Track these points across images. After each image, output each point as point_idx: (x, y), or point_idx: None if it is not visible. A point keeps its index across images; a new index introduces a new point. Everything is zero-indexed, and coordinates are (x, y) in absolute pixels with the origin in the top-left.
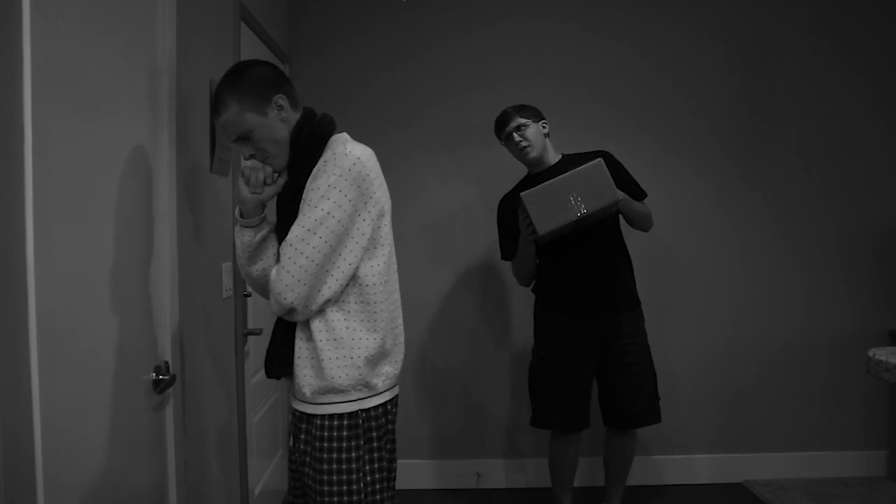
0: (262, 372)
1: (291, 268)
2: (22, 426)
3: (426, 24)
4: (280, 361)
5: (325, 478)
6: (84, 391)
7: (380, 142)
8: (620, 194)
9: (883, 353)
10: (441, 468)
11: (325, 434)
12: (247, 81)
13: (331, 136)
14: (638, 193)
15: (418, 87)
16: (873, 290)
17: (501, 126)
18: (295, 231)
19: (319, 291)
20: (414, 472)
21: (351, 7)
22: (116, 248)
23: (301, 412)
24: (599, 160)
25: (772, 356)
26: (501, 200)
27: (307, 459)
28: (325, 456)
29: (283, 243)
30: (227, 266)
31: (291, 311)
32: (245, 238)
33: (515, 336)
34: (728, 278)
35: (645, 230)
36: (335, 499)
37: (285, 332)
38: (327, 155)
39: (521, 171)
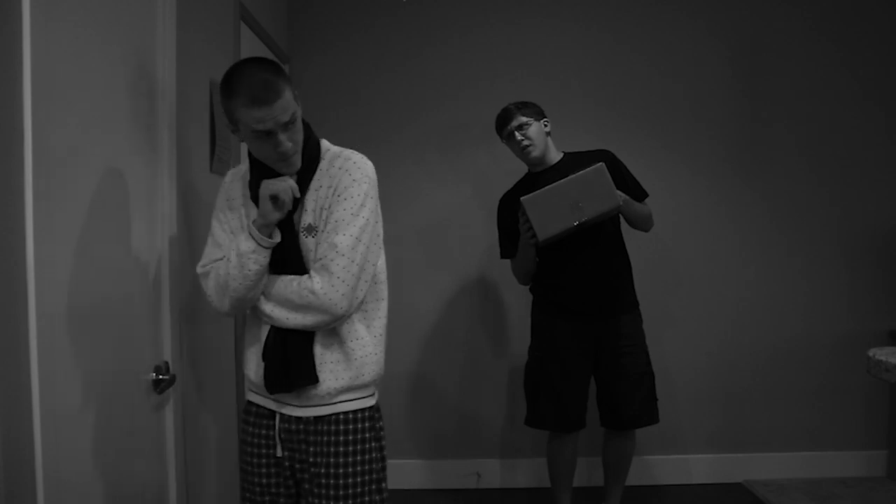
0: None
1: (345, 276)
2: (22, 426)
3: (426, 24)
4: (300, 373)
5: (355, 479)
6: (84, 391)
7: (380, 141)
8: (621, 198)
9: (883, 353)
10: (441, 468)
11: (350, 427)
12: (285, 72)
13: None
14: (639, 194)
15: (418, 87)
16: (873, 290)
17: (503, 124)
18: (344, 241)
19: (357, 295)
20: (414, 472)
21: (351, 7)
22: (116, 247)
23: (317, 416)
24: (601, 165)
25: (772, 356)
26: (502, 199)
27: (322, 470)
28: (350, 448)
29: (331, 252)
30: None
31: (339, 319)
32: (263, 261)
33: (514, 336)
34: (728, 278)
35: (645, 231)
36: (366, 498)
37: (303, 343)
38: (346, 164)
39: (520, 172)
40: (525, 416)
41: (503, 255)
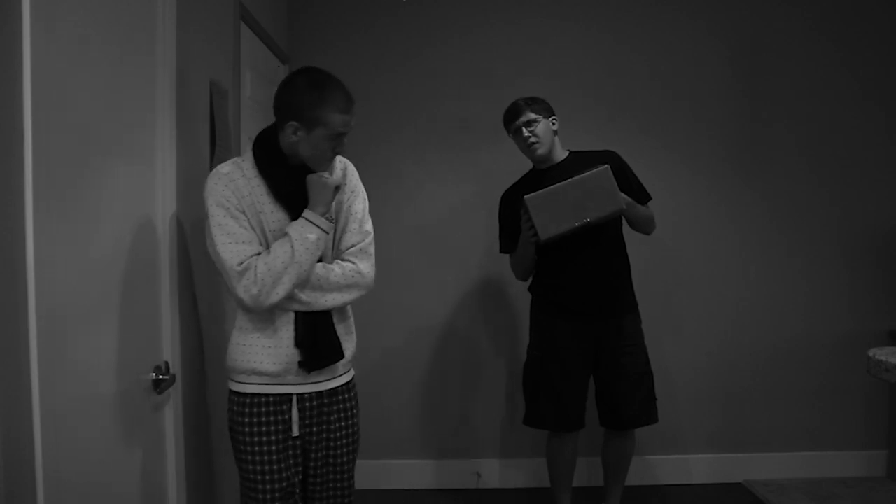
0: None
1: (374, 256)
2: (22, 426)
3: (426, 24)
4: (332, 350)
5: (358, 435)
6: (84, 391)
7: (380, 141)
8: (625, 202)
9: (883, 353)
10: (441, 468)
11: (355, 392)
12: None
13: None
14: (642, 197)
15: (419, 87)
16: (873, 290)
17: (511, 119)
18: (371, 228)
19: None
20: (414, 472)
21: (351, 7)
22: (117, 247)
23: (336, 386)
24: (606, 167)
25: (772, 356)
26: (504, 194)
27: (342, 432)
28: (357, 409)
29: (367, 238)
30: None
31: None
32: (324, 245)
33: (515, 335)
34: (728, 278)
35: (647, 234)
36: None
37: (329, 324)
38: (346, 165)
39: (521, 170)
40: (523, 416)
41: (502, 250)
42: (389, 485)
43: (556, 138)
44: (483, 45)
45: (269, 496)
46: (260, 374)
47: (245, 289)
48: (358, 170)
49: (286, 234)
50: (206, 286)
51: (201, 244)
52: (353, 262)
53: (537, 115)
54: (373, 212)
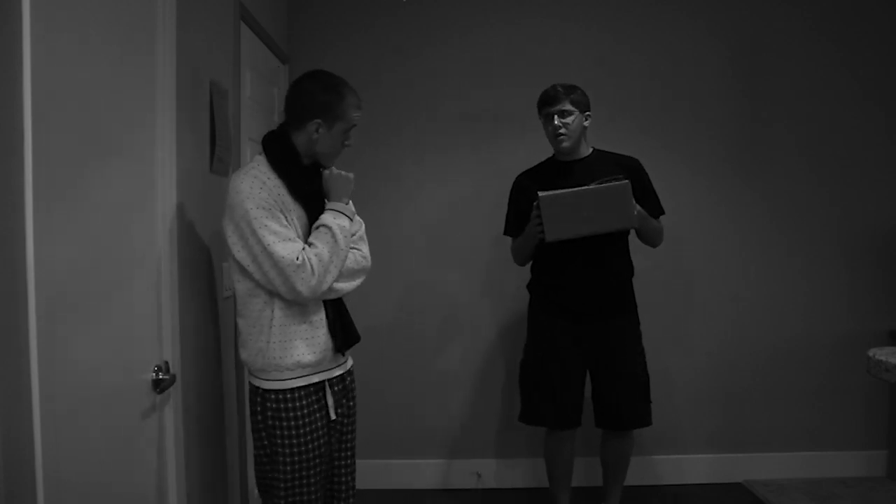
0: None
1: None
2: (22, 426)
3: (426, 24)
4: (354, 332)
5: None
6: (84, 391)
7: (380, 141)
8: (638, 218)
9: (883, 353)
10: (441, 468)
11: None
12: None
13: None
14: (656, 211)
15: (418, 87)
16: (873, 290)
17: (547, 103)
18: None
19: None
20: (414, 472)
21: (351, 7)
22: (117, 247)
23: (349, 367)
24: (627, 183)
25: (772, 356)
26: (519, 178)
27: (354, 410)
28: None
29: (363, 226)
30: (226, 266)
31: None
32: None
33: (515, 336)
34: (728, 278)
35: (653, 246)
36: None
37: (344, 308)
38: None
39: (522, 169)
40: (519, 413)
41: (506, 233)
42: (390, 485)
43: (585, 134)
44: (483, 45)
45: (318, 483)
46: (303, 366)
47: (304, 281)
48: (357, 170)
49: (323, 225)
50: (206, 286)
51: (202, 244)
52: (359, 249)
53: (573, 108)
54: (372, 212)
